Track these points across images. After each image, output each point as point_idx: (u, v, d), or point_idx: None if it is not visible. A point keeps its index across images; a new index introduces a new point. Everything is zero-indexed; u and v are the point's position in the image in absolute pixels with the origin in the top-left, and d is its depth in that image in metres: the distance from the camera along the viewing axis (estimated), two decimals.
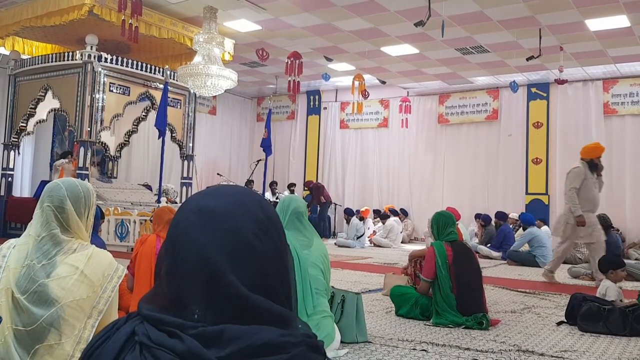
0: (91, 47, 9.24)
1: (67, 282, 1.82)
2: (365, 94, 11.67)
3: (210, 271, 0.82)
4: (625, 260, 6.00)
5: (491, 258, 9.51)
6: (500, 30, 9.39)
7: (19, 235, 1.96)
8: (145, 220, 8.71)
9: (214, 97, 14.03)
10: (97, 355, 0.84)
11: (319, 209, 13.89)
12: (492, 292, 5.64)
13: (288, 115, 16.08)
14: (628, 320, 3.87)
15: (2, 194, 10.45)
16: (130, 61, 9.66)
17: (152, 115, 10.31)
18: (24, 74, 10.21)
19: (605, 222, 7.55)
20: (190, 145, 10.95)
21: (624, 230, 11.31)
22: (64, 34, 9.81)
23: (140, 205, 9.51)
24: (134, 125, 11.41)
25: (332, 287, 3.46)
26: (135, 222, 8.79)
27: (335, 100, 15.47)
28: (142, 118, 11.31)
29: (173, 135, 10.56)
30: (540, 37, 9.48)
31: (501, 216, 10.32)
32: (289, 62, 9.79)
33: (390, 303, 4.54)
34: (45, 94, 9.86)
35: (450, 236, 4.21)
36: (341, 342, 3.23)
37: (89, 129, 9.14)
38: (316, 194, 13.87)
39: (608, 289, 4.29)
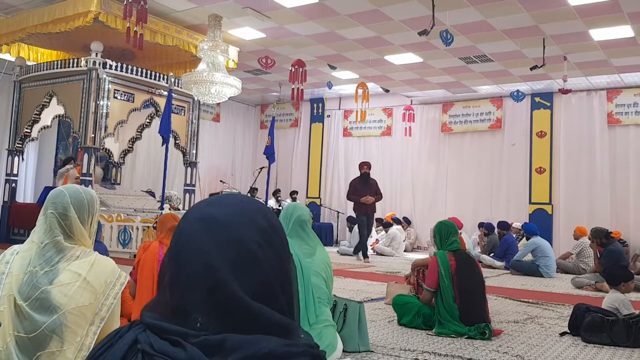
0: (96, 54, 9.28)
1: (70, 289, 1.82)
2: (367, 101, 11.69)
3: (213, 280, 0.82)
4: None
5: (494, 268, 9.48)
6: (504, 39, 9.41)
7: (22, 241, 1.97)
8: (148, 226, 8.72)
9: (218, 104, 14.07)
10: None
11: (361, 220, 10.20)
12: (495, 302, 5.62)
13: (291, 123, 16.11)
14: (632, 332, 3.84)
15: (6, 199, 10.47)
16: (134, 68, 9.70)
17: (156, 122, 10.33)
18: (29, 80, 10.25)
19: (597, 235, 7.56)
20: (194, 152, 10.97)
21: (628, 240, 11.27)
22: (69, 40, 9.85)
23: (143, 211, 9.52)
24: (137, 132, 11.44)
25: (335, 295, 3.45)
26: (138, 228, 8.79)
27: (339, 108, 15.50)
28: (146, 125, 11.34)
29: (177, 142, 10.59)
30: (544, 47, 9.50)
31: (503, 226, 10.30)
32: (293, 70, 9.82)
33: (393, 312, 4.53)
34: (50, 100, 9.90)
35: (453, 245, 4.20)
36: (343, 351, 3.22)
37: (93, 135, 9.17)
38: (375, 190, 10.26)
39: (622, 302, 4.25)
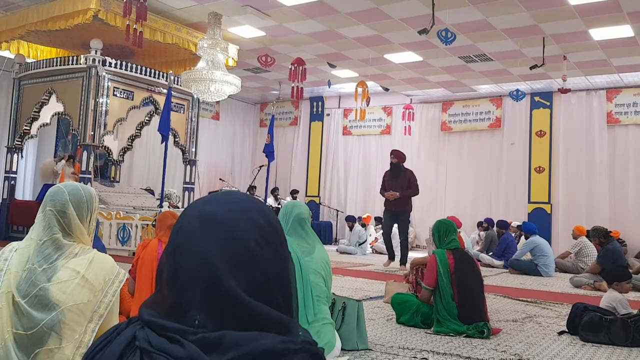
0: (96, 51, 9.28)
1: (68, 286, 1.82)
2: (368, 101, 11.68)
3: (211, 277, 0.82)
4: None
5: (493, 266, 9.49)
6: (504, 38, 9.41)
7: (21, 239, 1.97)
8: (147, 224, 8.72)
9: (218, 102, 14.07)
10: None
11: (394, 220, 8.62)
12: (494, 301, 5.62)
13: (291, 121, 16.11)
14: (630, 331, 3.85)
15: (5, 197, 10.47)
16: (134, 66, 9.69)
17: (156, 120, 10.33)
18: (28, 78, 10.25)
19: (596, 234, 7.53)
20: (193, 150, 10.97)
21: (627, 239, 11.27)
22: (68, 38, 9.85)
23: (143, 209, 9.52)
24: (137, 129, 11.44)
25: (333, 294, 3.45)
26: (137, 226, 8.79)
27: (339, 107, 15.50)
28: (145, 123, 11.33)
29: (176, 140, 10.58)
30: (544, 46, 9.50)
31: (502, 225, 10.31)
32: (293, 69, 9.81)
33: (391, 311, 4.53)
34: (49, 97, 9.89)
35: (452, 244, 4.20)
36: (342, 349, 3.22)
37: (92, 133, 9.17)
38: (406, 183, 8.48)
39: (620, 301, 4.25)
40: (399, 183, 8.44)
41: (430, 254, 4.39)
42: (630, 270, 6.83)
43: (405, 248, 8.50)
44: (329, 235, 14.16)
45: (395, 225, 8.66)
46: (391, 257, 8.72)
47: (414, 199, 8.82)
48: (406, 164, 8.69)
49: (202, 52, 9.08)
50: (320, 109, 15.58)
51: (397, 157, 8.62)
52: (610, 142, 12.04)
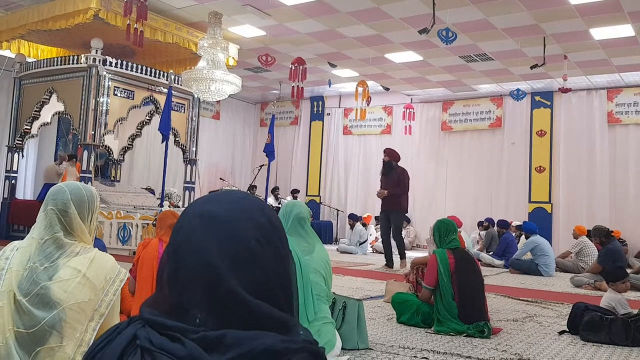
0: (96, 51, 9.28)
1: (69, 284, 1.82)
2: (368, 100, 11.68)
3: (212, 276, 0.82)
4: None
5: (493, 266, 9.49)
6: (504, 38, 9.41)
7: (22, 238, 1.97)
8: (148, 224, 8.72)
9: (218, 101, 14.06)
10: (99, 359, 0.84)
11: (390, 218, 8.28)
12: (494, 301, 5.62)
13: (291, 121, 16.11)
14: (630, 331, 3.85)
15: (6, 196, 10.47)
16: (134, 65, 9.69)
17: (156, 119, 10.33)
18: (29, 77, 10.25)
19: (597, 233, 7.49)
20: (194, 149, 10.97)
21: (627, 239, 11.28)
22: (69, 37, 9.85)
23: (143, 209, 9.52)
24: (137, 129, 11.43)
25: (334, 293, 3.45)
26: (137, 225, 8.79)
27: (339, 107, 15.49)
28: (146, 122, 11.32)
29: (176, 139, 10.59)
30: (544, 46, 9.50)
31: (503, 224, 10.32)
32: (293, 68, 9.81)
33: (392, 310, 4.53)
34: (50, 97, 9.90)
35: (452, 243, 4.20)
36: (342, 348, 3.22)
37: (92, 132, 9.17)
38: (402, 183, 8.25)
39: (619, 301, 4.25)
40: (389, 181, 8.28)
41: (431, 253, 4.39)
42: (631, 270, 6.84)
43: (401, 246, 8.34)
44: (329, 235, 14.17)
45: None
46: (389, 265, 8.39)
47: (414, 199, 8.76)
48: (407, 164, 8.66)
49: (202, 52, 9.08)
50: (320, 109, 15.58)
51: (390, 155, 8.46)
52: (611, 141, 12.04)
